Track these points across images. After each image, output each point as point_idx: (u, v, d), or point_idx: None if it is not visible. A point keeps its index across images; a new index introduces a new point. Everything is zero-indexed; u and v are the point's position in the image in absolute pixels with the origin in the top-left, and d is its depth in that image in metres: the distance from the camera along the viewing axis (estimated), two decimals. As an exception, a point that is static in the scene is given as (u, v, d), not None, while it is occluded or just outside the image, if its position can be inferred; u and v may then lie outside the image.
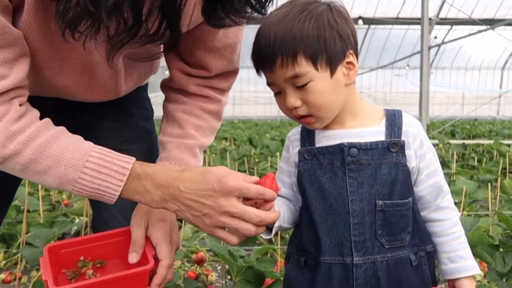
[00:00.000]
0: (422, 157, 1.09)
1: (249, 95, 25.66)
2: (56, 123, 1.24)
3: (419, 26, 7.39)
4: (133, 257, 1.01)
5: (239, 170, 4.80)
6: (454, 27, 19.62)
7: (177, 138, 1.16)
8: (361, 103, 1.11)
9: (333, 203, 1.05)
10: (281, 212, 1.06)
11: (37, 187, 3.54)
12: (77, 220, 2.88)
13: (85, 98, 1.12)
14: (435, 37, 18.90)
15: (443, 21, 16.44)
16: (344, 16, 1.04)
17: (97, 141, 1.24)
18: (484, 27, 7.77)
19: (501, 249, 2.07)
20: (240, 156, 5.61)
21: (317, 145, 1.09)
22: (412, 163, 1.07)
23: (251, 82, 25.25)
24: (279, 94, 1.06)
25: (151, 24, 0.76)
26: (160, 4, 0.75)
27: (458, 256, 1.09)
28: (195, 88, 1.18)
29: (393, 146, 1.05)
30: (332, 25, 1.01)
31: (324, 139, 1.09)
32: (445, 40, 16.96)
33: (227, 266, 2.01)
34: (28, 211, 2.81)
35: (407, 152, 1.06)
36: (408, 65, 23.70)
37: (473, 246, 2.02)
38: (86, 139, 1.25)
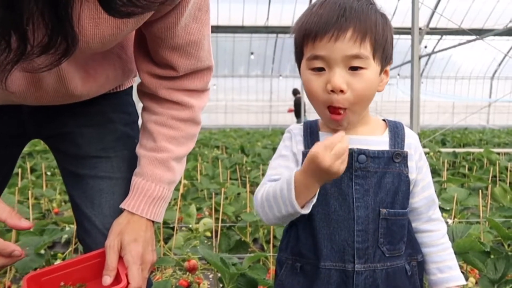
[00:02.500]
0: (420, 169, 1.11)
1: (241, 104, 25.70)
2: (33, 126, 1.22)
3: (409, 36, 7.46)
4: (106, 280, 1.03)
5: (231, 178, 4.79)
6: (444, 37, 19.82)
7: (150, 152, 1.16)
8: (368, 112, 1.12)
9: (337, 209, 1.04)
10: None
11: (27, 195, 3.51)
12: (67, 228, 2.86)
13: (40, 103, 1.10)
14: (425, 47, 19.09)
15: (433, 31, 16.58)
16: None
17: (77, 148, 1.23)
18: (473, 37, 7.86)
19: (492, 256, 2.07)
20: (232, 164, 5.60)
21: None
22: (413, 174, 1.08)
23: (243, 91, 25.32)
24: (320, 71, 1.00)
25: (38, 37, 0.72)
26: (41, 14, 0.70)
27: (447, 267, 1.11)
28: (165, 92, 1.15)
29: (397, 157, 1.06)
30: (391, 29, 1.03)
31: None
32: (435, 50, 17.14)
33: (219, 274, 2.00)
34: (18, 219, 2.78)
35: (409, 163, 1.08)
36: (398, 74, 23.86)
37: (464, 253, 2.04)
38: (66, 145, 1.24)
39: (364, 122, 1.09)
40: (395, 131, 1.10)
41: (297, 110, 14.11)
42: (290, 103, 15.73)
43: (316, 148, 0.92)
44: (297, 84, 17.27)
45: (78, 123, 1.23)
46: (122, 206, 1.14)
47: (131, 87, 1.37)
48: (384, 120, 1.14)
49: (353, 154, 1.04)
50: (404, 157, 1.07)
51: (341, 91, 0.97)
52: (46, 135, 1.27)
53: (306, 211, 0.97)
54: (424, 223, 1.13)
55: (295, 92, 14.73)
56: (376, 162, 1.05)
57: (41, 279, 1.05)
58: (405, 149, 1.08)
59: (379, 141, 1.08)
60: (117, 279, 1.04)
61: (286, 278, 1.12)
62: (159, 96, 1.16)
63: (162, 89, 1.15)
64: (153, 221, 1.17)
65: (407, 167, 1.07)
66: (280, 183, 1.00)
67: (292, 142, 1.11)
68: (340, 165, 0.92)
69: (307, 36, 1.00)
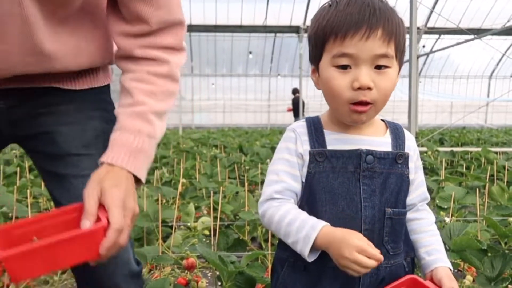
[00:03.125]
0: (417, 169, 1.15)
1: (239, 103, 25.68)
2: (9, 127, 1.17)
3: (407, 35, 7.49)
4: (85, 224, 0.95)
5: (229, 178, 4.80)
6: (442, 36, 19.83)
7: (128, 107, 1.13)
8: None
9: (345, 208, 1.04)
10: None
11: (25, 194, 3.50)
12: (66, 227, 2.86)
13: (7, 64, 1.04)
14: (424, 46, 19.09)
15: (431, 31, 16.60)
16: None
17: (56, 147, 1.18)
18: (471, 36, 7.88)
19: (489, 254, 2.08)
20: (231, 163, 5.61)
21: (329, 147, 1.07)
22: (412, 175, 1.12)
23: (241, 90, 25.30)
24: (345, 69, 1.00)
25: None
26: None
27: (435, 250, 1.13)
28: (140, 51, 1.14)
29: (399, 158, 1.09)
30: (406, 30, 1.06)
31: (336, 142, 1.08)
32: (434, 49, 17.14)
33: (217, 272, 2.01)
34: (17, 218, 2.78)
35: (409, 164, 1.11)
36: (397, 74, 23.85)
37: (462, 251, 2.05)
38: (45, 145, 1.20)
39: (370, 124, 1.10)
40: (396, 132, 1.13)
41: (296, 109, 14.11)
42: (289, 102, 15.73)
43: (355, 243, 0.96)
44: (295, 83, 17.26)
45: (56, 122, 1.20)
46: (100, 160, 1.09)
47: (109, 86, 1.34)
48: (382, 120, 1.16)
49: (362, 155, 1.05)
50: (405, 159, 1.10)
51: (369, 88, 0.99)
52: (22, 136, 1.22)
53: (312, 259, 1.01)
54: (412, 212, 1.17)
55: (295, 91, 14.73)
56: (382, 163, 1.07)
57: (13, 232, 0.97)
58: (406, 150, 1.11)
59: (383, 142, 1.10)
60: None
61: (288, 277, 1.12)
62: (135, 56, 1.15)
63: (136, 48, 1.14)
64: (135, 178, 1.10)
65: (408, 168, 1.11)
66: (296, 232, 1.02)
67: (297, 144, 1.10)
68: (351, 267, 0.96)
69: (335, 33, 0.99)
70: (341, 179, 1.05)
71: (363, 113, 1.02)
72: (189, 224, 2.99)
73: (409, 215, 1.16)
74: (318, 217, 1.05)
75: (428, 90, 25.03)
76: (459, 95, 26.38)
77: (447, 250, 2.05)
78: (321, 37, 1.02)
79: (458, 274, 2.43)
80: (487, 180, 4.34)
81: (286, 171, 1.09)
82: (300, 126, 1.12)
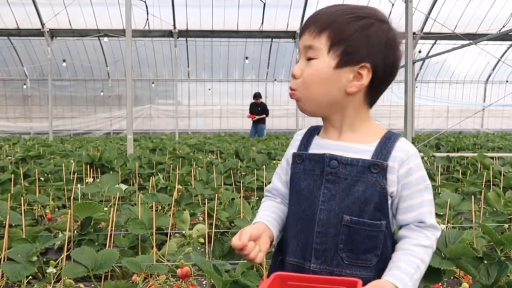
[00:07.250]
0: (407, 186, 1.07)
1: (236, 108, 25.68)
2: None
3: (403, 40, 7.52)
4: None
5: (225, 184, 4.78)
6: (438, 41, 19.92)
7: None
8: (366, 121, 1.13)
9: (306, 209, 1.10)
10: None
11: (19, 202, 3.48)
12: (60, 235, 2.84)
13: None
14: (420, 51, 19.17)
15: (427, 36, 16.69)
16: (396, 44, 1.12)
17: None
18: (467, 41, 7.91)
19: (485, 261, 2.08)
20: (227, 169, 5.59)
21: (310, 151, 1.14)
22: (392, 188, 1.06)
23: (238, 95, 25.31)
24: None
25: None
26: None
27: (396, 266, 1.03)
28: None
29: (374, 167, 1.06)
30: (378, 34, 1.07)
31: (316, 147, 1.14)
32: (430, 54, 17.20)
33: (212, 281, 1.99)
34: (10, 226, 2.76)
35: (389, 175, 1.06)
36: (393, 79, 23.90)
37: (457, 258, 2.04)
38: None
39: (353, 130, 1.11)
40: (385, 142, 1.09)
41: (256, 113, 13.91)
42: (286, 107, 15.71)
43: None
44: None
45: None
46: None
47: None
48: (388, 131, 1.13)
49: (325, 159, 1.08)
50: (383, 169, 1.06)
51: (294, 76, 1.11)
52: None
53: None
54: (403, 230, 1.10)
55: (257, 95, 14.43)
56: (348, 169, 1.06)
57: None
58: (389, 161, 1.06)
59: (362, 150, 1.08)
60: None
61: (271, 269, 1.22)
62: None
63: None
64: None
65: (385, 179, 1.06)
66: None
67: (290, 149, 1.20)
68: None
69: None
70: (308, 181, 1.11)
71: (293, 98, 1.13)
72: (184, 232, 2.98)
73: (400, 232, 1.12)
74: (289, 215, 1.16)
75: (424, 95, 25.10)
76: (455, 100, 26.47)
77: (442, 258, 2.04)
78: None
79: (454, 281, 2.42)
80: (483, 185, 4.35)
81: (277, 173, 1.24)
82: (302, 132, 1.21)
